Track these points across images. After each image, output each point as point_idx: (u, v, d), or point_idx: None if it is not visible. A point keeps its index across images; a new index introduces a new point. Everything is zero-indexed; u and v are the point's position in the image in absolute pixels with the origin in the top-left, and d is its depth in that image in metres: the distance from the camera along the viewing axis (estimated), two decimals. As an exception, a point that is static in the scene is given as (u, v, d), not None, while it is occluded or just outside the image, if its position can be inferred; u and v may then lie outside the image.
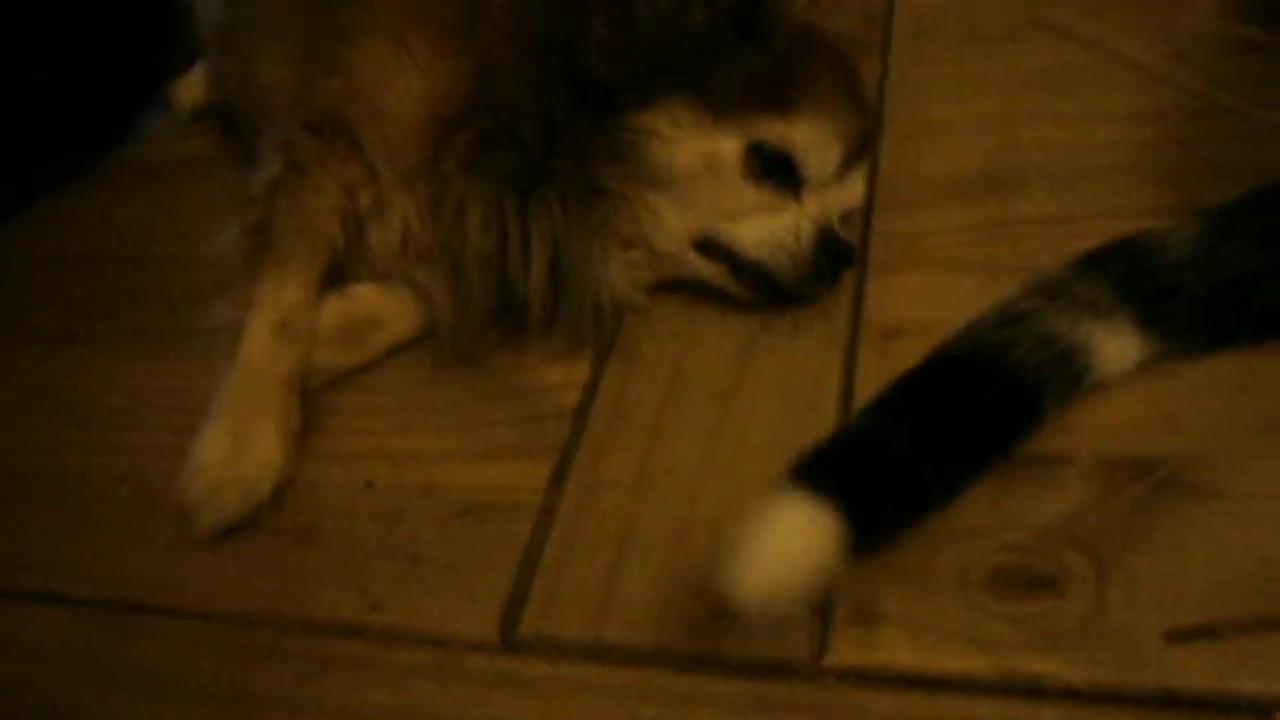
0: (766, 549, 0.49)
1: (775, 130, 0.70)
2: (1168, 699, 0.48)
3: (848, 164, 0.73)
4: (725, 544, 0.50)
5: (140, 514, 0.71)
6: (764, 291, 0.72)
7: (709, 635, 0.55)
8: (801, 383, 0.68)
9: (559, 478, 0.66)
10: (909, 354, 0.62)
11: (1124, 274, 0.60)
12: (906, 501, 0.55)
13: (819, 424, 0.64)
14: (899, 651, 0.52)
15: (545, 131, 0.71)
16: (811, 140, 0.70)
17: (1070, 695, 0.49)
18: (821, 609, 0.55)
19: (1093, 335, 0.59)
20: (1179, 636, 0.49)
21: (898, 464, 0.55)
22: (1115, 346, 0.59)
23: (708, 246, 0.72)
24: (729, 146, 0.70)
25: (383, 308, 0.77)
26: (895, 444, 0.56)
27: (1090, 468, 0.58)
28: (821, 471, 0.54)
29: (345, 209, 0.76)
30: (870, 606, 0.54)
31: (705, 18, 0.69)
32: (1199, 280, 0.59)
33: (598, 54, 0.70)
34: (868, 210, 0.79)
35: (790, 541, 0.50)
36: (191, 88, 1.18)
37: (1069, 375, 0.59)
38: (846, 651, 0.53)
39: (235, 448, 0.67)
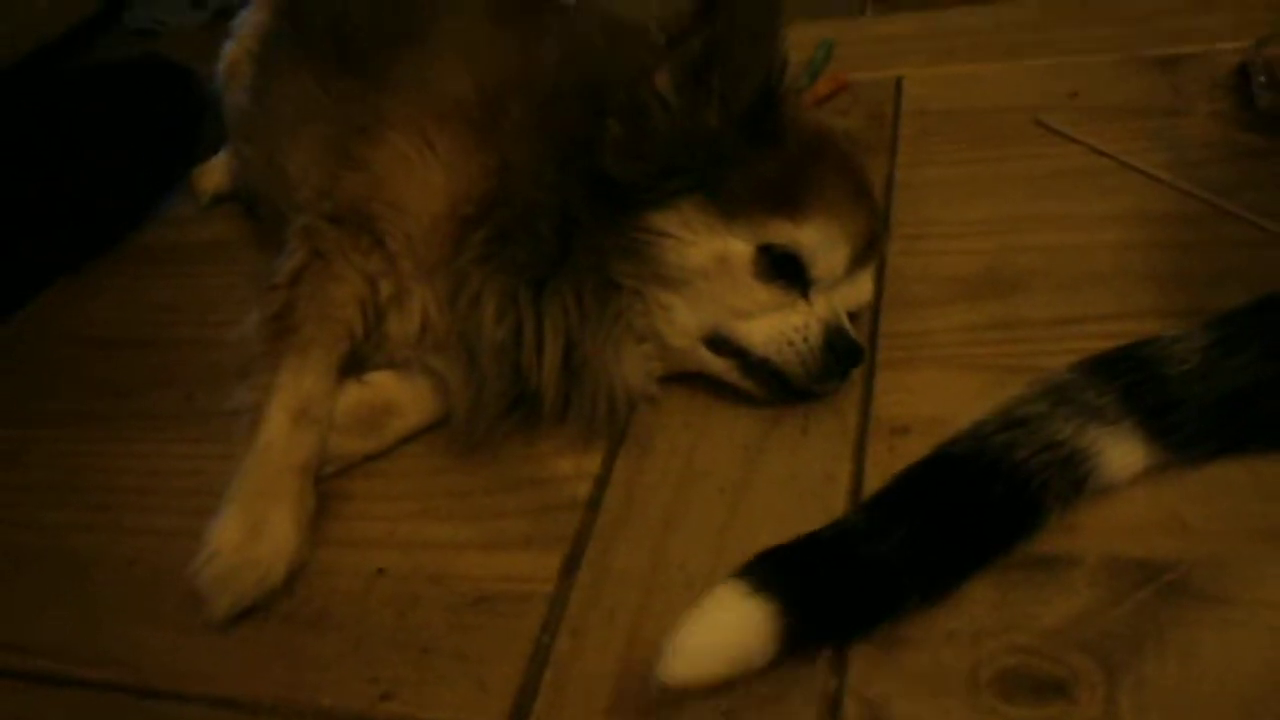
0: (696, 637, 0.54)
1: (784, 232, 0.71)
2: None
3: (856, 264, 0.74)
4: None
5: (152, 597, 0.72)
6: (774, 387, 0.73)
7: (719, 733, 0.55)
8: (812, 478, 0.69)
9: (570, 569, 0.67)
10: (917, 451, 0.63)
11: (1132, 383, 0.61)
12: (882, 598, 0.57)
13: (828, 520, 0.65)
14: (908, 754, 0.53)
15: (561, 228, 0.72)
16: (819, 242, 0.72)
17: (1080, 802, 0.49)
18: (831, 709, 0.55)
19: (1098, 442, 0.60)
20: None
21: (875, 561, 0.57)
22: (1120, 453, 0.60)
23: (718, 343, 0.74)
24: (739, 248, 0.71)
25: (399, 396, 0.78)
26: (879, 540, 0.58)
27: (1097, 570, 0.59)
28: (774, 565, 0.57)
29: (366, 298, 0.77)
30: (879, 707, 0.55)
31: (718, 121, 0.71)
32: (1207, 392, 0.60)
33: (613, 154, 0.71)
34: (876, 309, 0.81)
35: (718, 632, 0.54)
36: (214, 174, 1.20)
37: (1072, 480, 0.59)
38: (856, 752, 0.53)
39: (250, 532, 0.68)
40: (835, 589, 0.57)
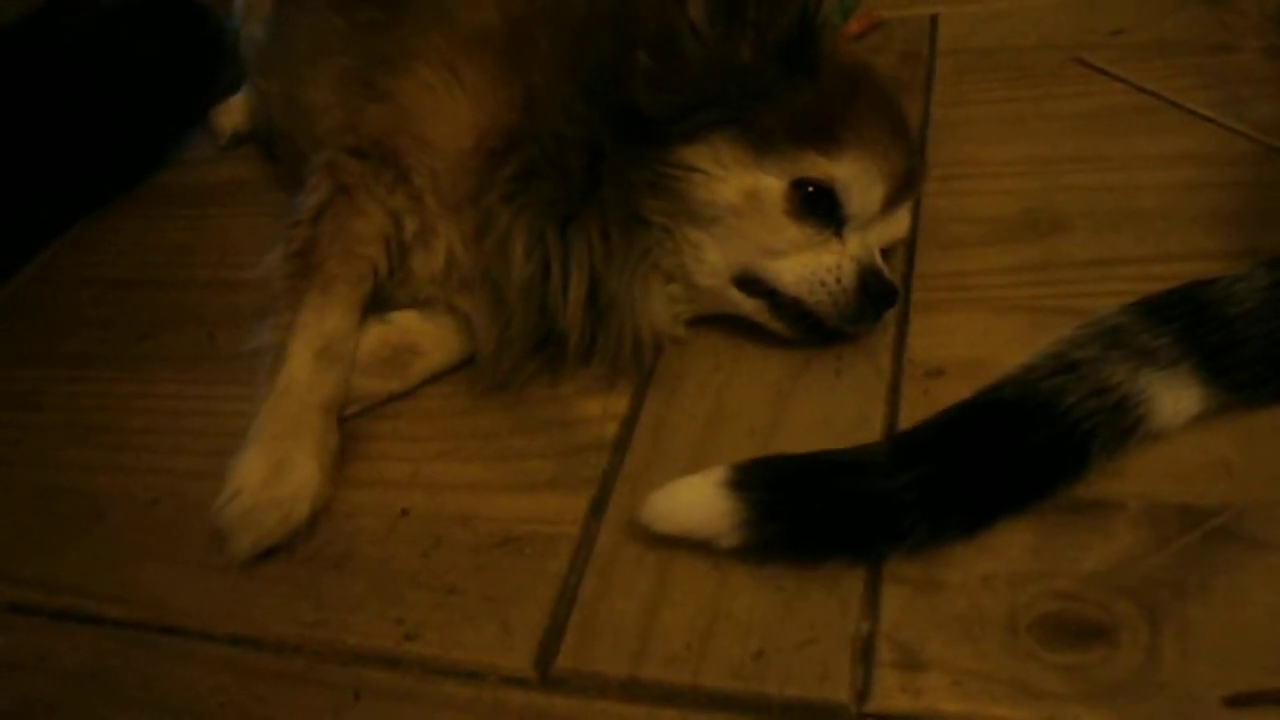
0: (664, 501, 0.60)
1: (819, 167, 0.69)
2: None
3: (892, 201, 0.72)
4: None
5: (174, 536, 0.71)
6: (805, 328, 0.72)
7: (749, 676, 0.54)
8: (844, 421, 0.67)
9: (597, 510, 0.66)
10: (952, 394, 0.61)
11: (1189, 324, 0.59)
12: (883, 529, 0.57)
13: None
14: (943, 698, 0.51)
15: (589, 162, 0.71)
16: (855, 178, 0.70)
17: (1123, 750, 0.48)
18: (864, 653, 0.54)
19: (1152, 385, 0.58)
20: (1239, 702, 0.48)
21: (882, 493, 0.57)
22: (1174, 398, 0.58)
23: (748, 283, 0.72)
24: (771, 184, 0.69)
25: (423, 335, 0.77)
26: (896, 474, 0.57)
27: (1140, 515, 0.57)
28: (764, 472, 0.59)
29: (390, 234, 0.76)
30: (914, 651, 0.53)
31: (752, 52, 0.69)
32: (1269, 333, 0.58)
33: (642, 87, 0.69)
34: (911, 250, 0.79)
35: (684, 506, 0.60)
36: (233, 113, 1.19)
37: (1121, 427, 0.57)
38: (889, 697, 0.52)
39: (273, 471, 0.67)
40: (823, 510, 0.58)
